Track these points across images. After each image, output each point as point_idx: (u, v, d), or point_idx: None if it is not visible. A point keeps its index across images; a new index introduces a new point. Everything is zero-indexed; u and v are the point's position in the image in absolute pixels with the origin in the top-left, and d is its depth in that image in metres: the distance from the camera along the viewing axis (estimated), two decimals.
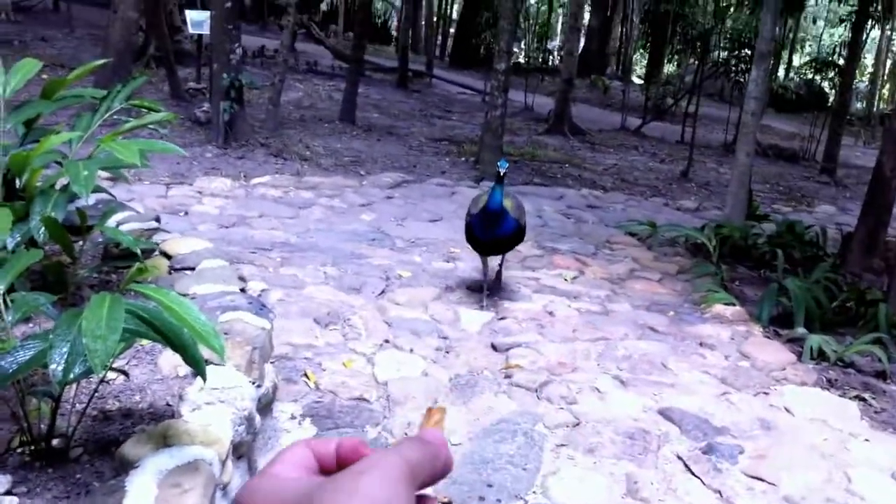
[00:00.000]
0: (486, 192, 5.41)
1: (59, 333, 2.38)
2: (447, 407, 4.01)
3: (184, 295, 3.86)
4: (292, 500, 0.59)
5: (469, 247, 5.83)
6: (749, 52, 15.64)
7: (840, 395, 4.67)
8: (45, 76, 9.15)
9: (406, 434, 3.73)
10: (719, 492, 3.53)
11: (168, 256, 4.52)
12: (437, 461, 0.63)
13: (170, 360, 3.32)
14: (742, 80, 16.06)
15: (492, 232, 5.29)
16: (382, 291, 5.63)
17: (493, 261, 6.01)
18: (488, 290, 5.73)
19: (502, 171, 5.12)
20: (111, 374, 3.17)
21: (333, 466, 0.64)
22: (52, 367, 2.32)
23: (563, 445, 3.79)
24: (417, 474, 0.60)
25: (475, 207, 5.40)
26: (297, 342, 4.51)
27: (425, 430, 0.69)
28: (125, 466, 2.54)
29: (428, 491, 0.65)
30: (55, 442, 2.67)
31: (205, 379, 2.59)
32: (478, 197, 5.63)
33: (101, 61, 4.72)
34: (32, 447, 2.61)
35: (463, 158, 11.94)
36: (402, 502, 0.57)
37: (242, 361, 3.27)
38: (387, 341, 4.75)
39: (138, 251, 3.03)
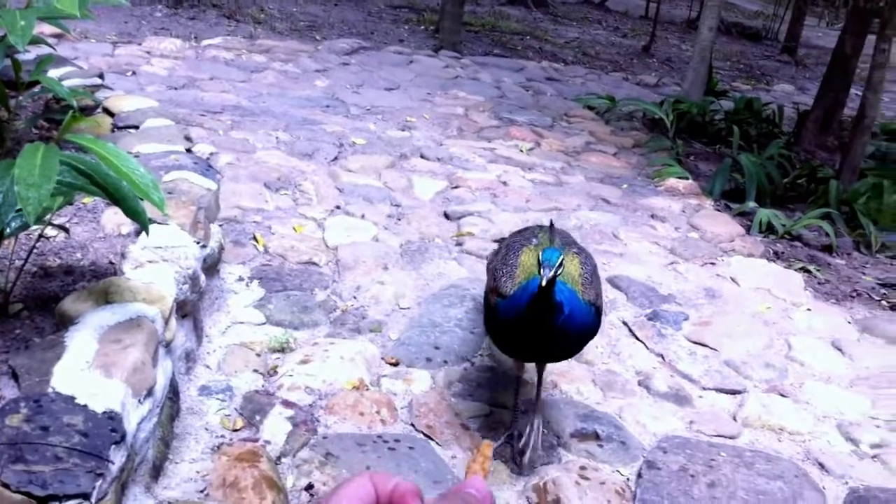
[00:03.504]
0: (529, 242, 2.89)
1: None
2: (400, 274, 4.00)
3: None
4: None
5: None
6: None
7: (785, 267, 4.75)
8: None
9: (355, 298, 3.73)
10: (661, 356, 3.61)
11: (111, 114, 4.37)
12: None
13: (112, 219, 3.25)
14: None
15: (545, 324, 2.51)
16: (335, 158, 5.54)
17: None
18: (523, 442, 2.84)
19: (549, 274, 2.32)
20: (52, 231, 3.09)
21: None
22: None
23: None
24: None
25: (508, 279, 2.71)
26: (247, 206, 4.44)
27: (473, 480, 0.72)
28: (65, 322, 2.50)
29: None
30: None
31: (147, 232, 2.53)
32: (511, 251, 2.86)
33: None
34: None
35: (422, 27, 11.64)
36: None
37: (187, 221, 3.21)
38: (338, 207, 4.70)
39: (73, 102, 2.91)
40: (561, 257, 2.36)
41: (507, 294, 2.64)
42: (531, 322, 2.50)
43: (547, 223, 4.85)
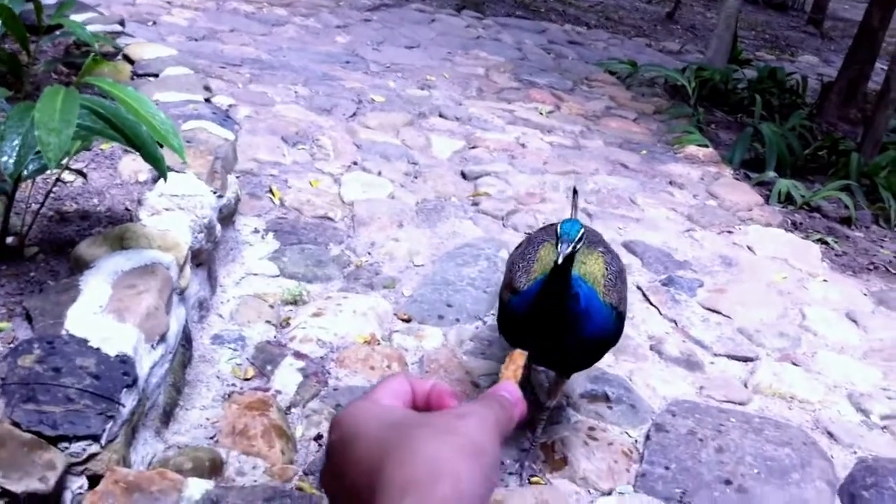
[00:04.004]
0: (552, 238, 2.41)
1: (11, 125, 2.29)
2: (415, 232, 3.99)
3: None
4: (390, 424, 0.64)
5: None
6: None
7: (803, 237, 4.71)
8: None
9: (369, 254, 3.73)
10: (675, 321, 3.59)
11: (131, 61, 4.36)
12: (512, 423, 0.69)
13: (130, 166, 3.25)
14: None
15: (558, 319, 2.31)
16: (354, 114, 5.51)
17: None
18: (532, 440, 2.68)
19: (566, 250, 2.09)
20: (69, 177, 3.10)
21: (422, 405, 0.70)
22: (4, 159, 2.24)
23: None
24: (501, 431, 0.66)
25: (523, 274, 2.51)
26: (264, 159, 4.43)
27: (505, 383, 0.74)
28: (80, 266, 2.51)
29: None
30: (9, 240, 2.63)
31: (165, 178, 2.54)
32: (532, 245, 2.65)
33: None
34: None
35: None
36: (493, 449, 0.62)
37: (204, 170, 3.21)
38: (355, 163, 4.68)
39: (95, 45, 2.90)
40: (581, 231, 2.13)
41: (521, 290, 2.44)
42: (544, 316, 2.27)
43: (564, 187, 4.85)
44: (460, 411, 0.65)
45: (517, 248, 2.84)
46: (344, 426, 0.65)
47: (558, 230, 2.13)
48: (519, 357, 0.83)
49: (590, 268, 2.46)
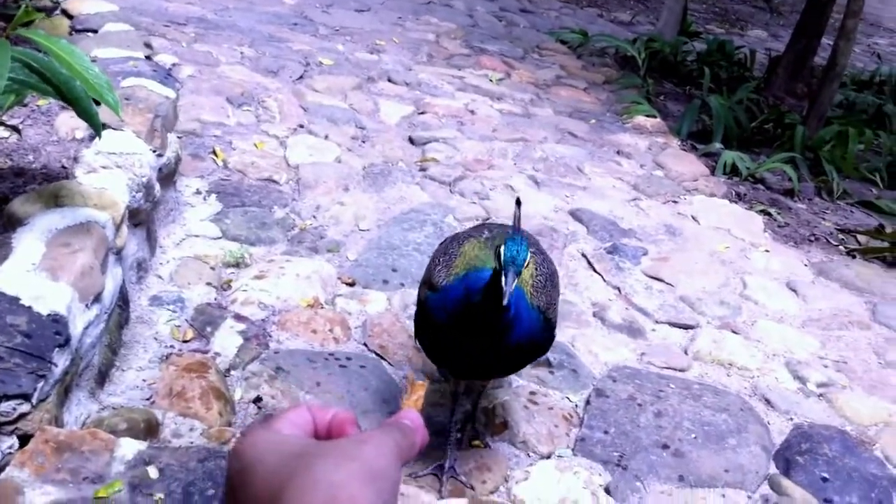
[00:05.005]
0: (479, 234, 2.42)
1: None
2: (361, 196, 3.95)
3: None
4: (289, 454, 0.64)
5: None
6: None
7: (747, 208, 4.77)
8: None
9: (314, 217, 3.69)
10: (618, 288, 3.62)
11: (70, 17, 4.24)
12: (413, 449, 0.71)
13: (67, 123, 3.16)
14: None
15: (482, 334, 2.09)
16: (301, 77, 5.43)
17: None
18: (456, 453, 2.50)
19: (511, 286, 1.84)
20: (3, 132, 3.01)
21: (323, 433, 0.71)
22: None
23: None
24: (402, 456, 0.68)
25: (443, 269, 2.27)
26: (207, 119, 4.34)
27: (407, 411, 0.76)
28: (13, 224, 2.44)
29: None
30: None
31: (100, 135, 2.47)
32: (456, 241, 2.43)
33: None
34: None
35: None
36: (394, 474, 0.65)
37: (143, 128, 3.13)
38: (301, 126, 4.62)
39: None
40: (530, 257, 1.89)
41: (440, 286, 2.19)
42: (466, 322, 2.05)
43: (513, 154, 4.84)
44: (360, 438, 0.67)
45: (442, 243, 2.59)
46: (243, 456, 0.66)
47: (502, 253, 1.85)
48: (420, 387, 0.87)
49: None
